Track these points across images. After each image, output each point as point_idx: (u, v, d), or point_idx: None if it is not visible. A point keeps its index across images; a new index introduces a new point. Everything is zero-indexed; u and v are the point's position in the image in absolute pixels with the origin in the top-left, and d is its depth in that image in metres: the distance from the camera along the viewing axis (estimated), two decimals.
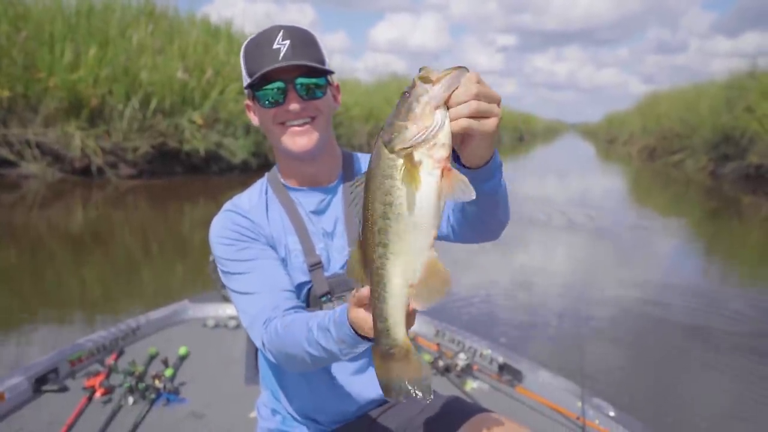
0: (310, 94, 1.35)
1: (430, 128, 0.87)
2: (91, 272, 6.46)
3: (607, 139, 55.75)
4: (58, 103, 12.00)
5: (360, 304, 1.04)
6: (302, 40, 1.35)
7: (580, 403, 2.29)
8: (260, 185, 1.52)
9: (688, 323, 5.18)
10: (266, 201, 1.48)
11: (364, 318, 1.03)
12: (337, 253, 1.44)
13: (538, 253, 7.92)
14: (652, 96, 37.69)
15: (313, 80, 1.35)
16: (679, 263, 8.04)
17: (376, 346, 0.98)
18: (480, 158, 1.03)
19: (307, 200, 1.46)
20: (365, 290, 0.99)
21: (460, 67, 0.89)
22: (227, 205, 1.47)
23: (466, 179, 0.87)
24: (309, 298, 1.43)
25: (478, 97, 0.89)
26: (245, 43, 1.40)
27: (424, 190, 0.87)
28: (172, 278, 6.37)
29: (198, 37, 15.60)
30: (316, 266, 1.42)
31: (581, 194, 15.30)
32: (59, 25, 12.83)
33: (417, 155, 0.87)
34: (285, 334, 1.25)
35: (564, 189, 16.57)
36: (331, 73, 1.39)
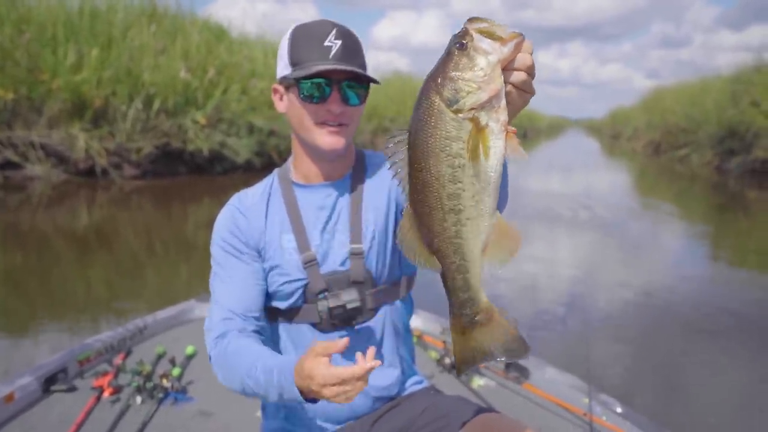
0: (351, 99, 1.37)
1: (500, 90, 0.83)
2: (97, 272, 6.48)
3: (612, 134, 55.57)
4: (62, 105, 12.03)
5: (325, 354, 1.11)
6: (353, 43, 1.37)
7: (587, 400, 2.28)
8: (268, 180, 1.54)
9: (694, 318, 5.16)
10: (269, 197, 1.49)
11: (311, 369, 1.10)
12: (338, 249, 1.44)
13: (544, 248, 7.90)
14: (657, 91, 37.53)
15: (358, 87, 1.37)
16: (686, 259, 8.01)
17: (457, 319, 0.95)
18: None
19: (312, 196, 1.47)
20: (340, 342, 1.08)
21: (519, 33, 0.83)
22: (232, 199, 1.51)
23: (519, 141, 0.86)
24: (306, 294, 1.44)
25: (530, 69, 0.86)
26: (293, 28, 1.40)
27: (493, 153, 0.84)
28: (178, 278, 6.39)
29: (200, 37, 15.61)
30: (311, 263, 1.42)
31: (586, 190, 15.25)
32: (62, 27, 12.86)
33: (484, 117, 0.83)
34: (231, 359, 1.33)
35: (569, 185, 16.53)
36: (375, 82, 1.39)
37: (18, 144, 11.66)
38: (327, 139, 1.38)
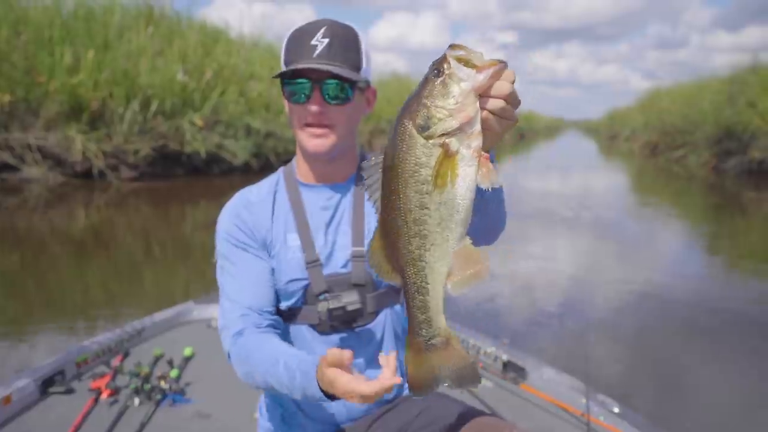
0: (335, 99, 1.34)
1: (473, 118, 0.83)
2: (95, 275, 6.47)
3: (609, 135, 55.66)
4: (59, 107, 12.01)
5: (335, 364, 1.11)
6: (343, 40, 1.34)
7: (584, 400, 2.29)
8: (274, 178, 1.53)
9: (692, 319, 5.17)
10: (275, 195, 1.49)
11: (333, 378, 1.11)
12: (340, 251, 1.44)
13: (542, 248, 7.91)
14: (654, 92, 37.62)
15: (342, 85, 1.33)
16: (683, 259, 8.03)
17: (414, 339, 0.96)
18: None
19: (316, 197, 1.47)
20: (346, 353, 1.08)
21: (500, 60, 0.84)
22: (237, 195, 1.50)
23: (494, 167, 0.86)
24: (306, 295, 1.43)
25: (509, 98, 0.86)
26: (291, 30, 1.40)
27: (462, 180, 0.84)
28: (176, 280, 6.39)
29: (197, 39, 15.61)
30: (314, 264, 1.42)
31: (584, 190, 15.28)
32: (58, 29, 12.84)
33: (455, 144, 0.83)
34: (252, 356, 1.33)
35: (566, 185, 16.55)
36: (359, 82, 1.36)
37: (15, 146, 11.64)
38: (310, 141, 1.37)
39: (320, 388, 1.18)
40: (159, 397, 2.48)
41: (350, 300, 1.39)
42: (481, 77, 0.82)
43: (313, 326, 1.45)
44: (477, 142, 0.84)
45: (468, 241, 0.89)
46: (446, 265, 0.89)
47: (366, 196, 0.95)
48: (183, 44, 14.93)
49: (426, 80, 0.85)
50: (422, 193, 0.85)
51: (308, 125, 1.36)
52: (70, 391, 2.51)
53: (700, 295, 5.85)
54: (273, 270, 1.44)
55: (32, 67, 11.95)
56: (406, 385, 1.57)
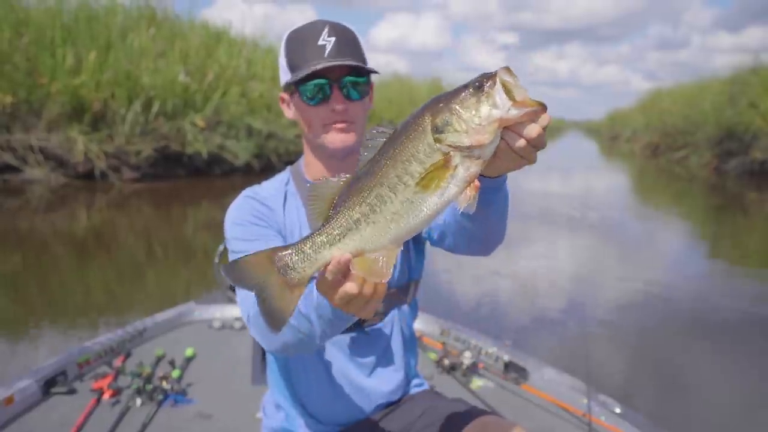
0: (353, 94, 1.36)
1: (487, 145, 0.83)
2: (97, 275, 6.48)
3: (610, 136, 55.63)
4: (61, 108, 12.04)
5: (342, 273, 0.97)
6: (347, 37, 1.36)
7: (586, 400, 2.29)
8: (282, 177, 1.53)
9: (694, 319, 5.17)
10: (285, 193, 1.49)
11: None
12: None
13: (543, 249, 7.91)
14: (655, 93, 37.59)
15: (358, 80, 1.35)
16: (685, 259, 8.02)
17: (285, 257, 0.93)
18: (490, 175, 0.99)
19: None
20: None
21: (541, 103, 0.83)
22: (246, 191, 1.49)
23: (477, 195, 0.85)
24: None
25: (534, 141, 0.85)
26: (288, 34, 1.40)
27: (441, 194, 0.84)
28: (177, 280, 6.39)
29: (199, 40, 15.63)
30: None
31: (585, 191, 15.27)
32: (60, 30, 12.87)
33: (456, 159, 0.83)
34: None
35: (568, 186, 16.55)
36: (375, 72, 1.38)
37: (17, 147, 11.67)
38: (336, 137, 1.37)
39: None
40: (161, 397, 2.48)
41: None
42: (515, 112, 0.82)
43: None
44: (476, 168, 0.84)
45: (399, 249, 0.89)
46: (365, 246, 0.89)
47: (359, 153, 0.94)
48: (185, 45, 14.95)
49: (466, 87, 0.84)
50: (400, 180, 0.85)
51: (331, 123, 1.37)
52: (72, 391, 2.52)
53: (702, 295, 5.84)
54: None
55: (34, 69, 11.98)
56: (411, 384, 1.58)
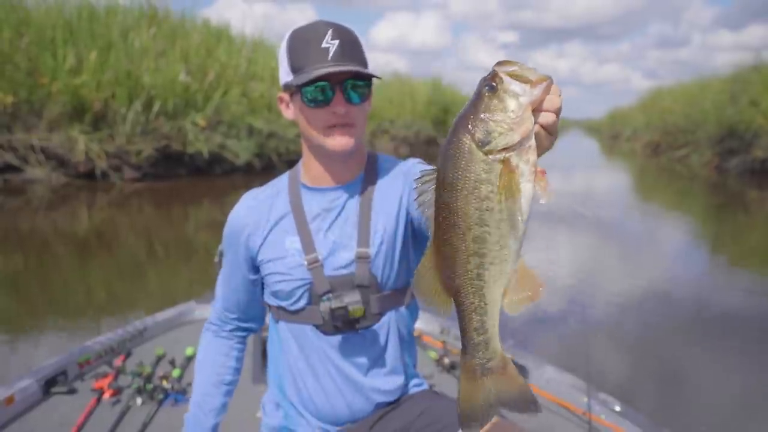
0: (355, 97, 1.36)
1: (531, 131, 0.82)
2: (97, 275, 6.49)
3: (611, 135, 55.59)
4: (62, 108, 12.04)
5: None
6: (350, 41, 1.36)
7: (586, 399, 2.29)
8: (278, 181, 1.55)
9: (694, 317, 5.17)
10: (275, 198, 1.51)
11: None
12: (344, 252, 1.44)
13: (543, 247, 7.91)
14: (656, 91, 37.53)
15: (360, 84, 1.36)
16: (685, 258, 8.01)
17: (468, 362, 0.92)
18: None
19: (320, 198, 1.47)
20: None
21: (548, 75, 0.82)
22: (242, 198, 1.56)
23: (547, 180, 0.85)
24: (310, 296, 1.44)
25: (558, 111, 0.85)
26: (289, 34, 1.40)
27: (523, 195, 0.83)
28: (178, 280, 6.40)
29: (200, 39, 15.64)
30: (315, 264, 1.42)
31: (586, 190, 15.26)
32: (61, 30, 12.87)
33: (515, 159, 0.82)
34: (199, 365, 1.60)
35: (568, 185, 16.54)
36: (377, 77, 1.39)
37: (18, 147, 11.68)
38: (336, 140, 1.37)
39: None
40: (161, 396, 2.49)
41: (352, 300, 1.39)
42: (537, 91, 0.82)
43: (317, 326, 1.45)
44: (533, 156, 0.83)
45: (522, 261, 0.87)
46: (503, 285, 0.87)
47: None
48: (185, 45, 14.96)
49: (479, 96, 0.83)
50: (482, 209, 0.83)
51: (332, 126, 1.37)
52: (72, 391, 2.52)
53: (703, 293, 5.84)
54: (273, 273, 1.46)
55: (35, 69, 11.99)
56: (409, 385, 1.57)
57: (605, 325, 4.91)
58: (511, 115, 0.81)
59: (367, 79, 1.38)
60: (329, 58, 1.32)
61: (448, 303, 0.90)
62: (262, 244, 1.47)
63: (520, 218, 0.84)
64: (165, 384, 2.54)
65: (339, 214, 1.46)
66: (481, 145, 0.82)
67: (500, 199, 0.82)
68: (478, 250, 0.84)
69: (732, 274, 7.14)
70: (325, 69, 1.31)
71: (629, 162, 27.72)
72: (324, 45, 1.33)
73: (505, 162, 0.82)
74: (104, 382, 2.54)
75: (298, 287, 1.44)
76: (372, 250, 1.42)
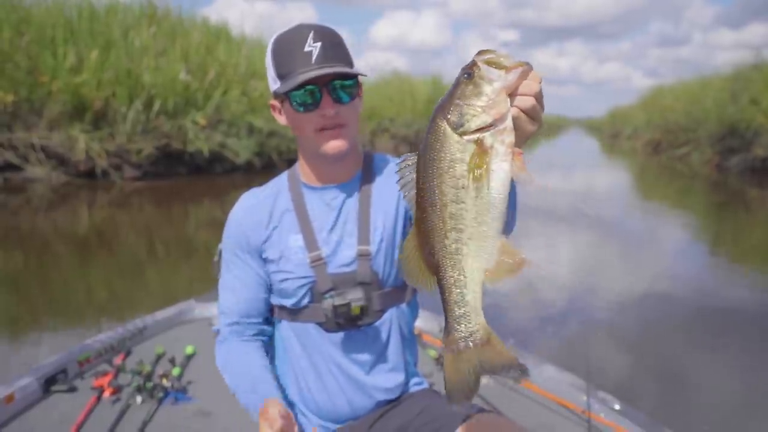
0: (343, 97, 1.37)
1: (505, 114, 0.86)
2: (98, 274, 6.49)
3: (612, 133, 55.56)
4: (62, 107, 12.05)
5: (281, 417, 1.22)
6: (333, 41, 1.36)
7: (585, 397, 2.29)
8: (278, 180, 1.56)
9: (694, 316, 5.16)
10: (276, 197, 1.51)
11: (266, 418, 1.22)
12: (345, 250, 1.45)
13: (544, 246, 7.91)
14: (656, 90, 37.49)
15: (347, 83, 1.36)
16: (686, 257, 8.01)
17: (451, 336, 0.93)
18: None
19: (321, 197, 1.48)
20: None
21: (526, 62, 0.86)
22: (241, 198, 1.55)
23: (524, 160, 0.87)
24: (313, 294, 1.45)
25: (537, 96, 0.88)
26: (272, 41, 1.40)
27: (497, 174, 0.86)
28: (178, 278, 6.40)
29: (200, 38, 15.63)
30: (318, 262, 1.43)
31: (586, 188, 15.26)
32: (61, 29, 12.87)
33: (489, 139, 0.85)
34: (229, 365, 1.49)
35: (569, 183, 16.53)
36: (363, 75, 1.39)
37: (18, 146, 11.68)
38: (330, 144, 1.38)
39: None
40: (161, 395, 2.49)
41: (355, 297, 1.40)
42: (511, 77, 0.85)
43: (320, 324, 1.45)
44: (510, 137, 0.86)
45: (504, 238, 0.89)
46: (485, 261, 0.89)
47: (401, 195, 0.95)
48: (186, 44, 14.96)
49: (457, 83, 0.87)
50: (458, 187, 0.86)
51: (323, 129, 1.37)
52: (72, 389, 2.52)
53: (703, 292, 5.84)
54: (277, 271, 1.46)
55: (35, 67, 11.99)
56: (411, 383, 1.58)
57: (605, 323, 4.91)
58: (484, 99, 0.85)
59: (353, 76, 1.37)
60: (313, 61, 1.32)
61: (431, 279, 0.93)
62: (265, 243, 1.48)
63: (495, 195, 0.87)
64: (165, 382, 2.54)
65: (339, 212, 1.47)
66: (456, 127, 0.86)
67: (474, 177, 0.85)
68: (455, 226, 0.88)
69: (732, 273, 7.13)
70: (310, 73, 1.31)
71: (630, 160, 27.71)
72: (307, 49, 1.33)
73: (478, 142, 0.85)
74: (104, 381, 2.54)
75: (302, 285, 1.44)
76: (373, 248, 1.44)
